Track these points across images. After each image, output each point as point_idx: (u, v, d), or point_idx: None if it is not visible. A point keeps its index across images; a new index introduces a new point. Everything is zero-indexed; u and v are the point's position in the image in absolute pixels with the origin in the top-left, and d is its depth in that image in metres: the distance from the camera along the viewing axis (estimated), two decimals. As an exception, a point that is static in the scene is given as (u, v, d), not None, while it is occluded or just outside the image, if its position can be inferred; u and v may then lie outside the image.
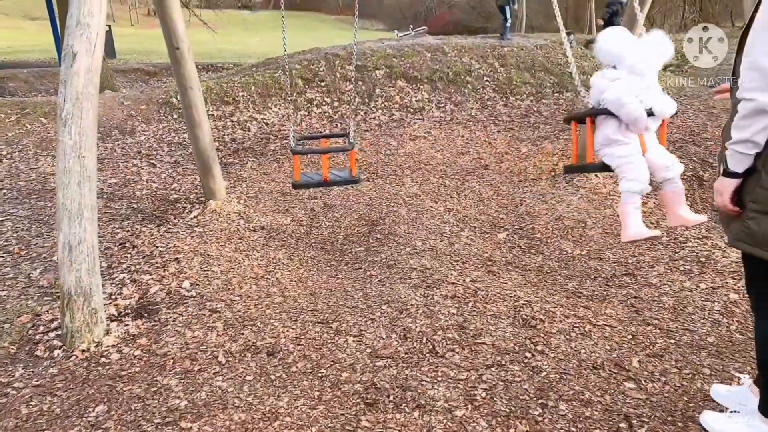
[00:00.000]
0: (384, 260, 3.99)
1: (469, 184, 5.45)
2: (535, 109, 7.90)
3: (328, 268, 3.95)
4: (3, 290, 3.56)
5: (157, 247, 4.14)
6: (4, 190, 5.43)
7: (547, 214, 4.76)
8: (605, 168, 2.66)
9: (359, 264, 3.99)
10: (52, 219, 4.63)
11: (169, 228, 4.50)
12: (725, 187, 1.78)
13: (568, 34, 13.69)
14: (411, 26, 13.86)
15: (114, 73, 13.06)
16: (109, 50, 17.49)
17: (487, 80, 8.67)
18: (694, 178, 5.12)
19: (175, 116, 7.86)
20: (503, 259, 4.01)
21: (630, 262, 3.81)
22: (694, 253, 3.85)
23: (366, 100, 8.29)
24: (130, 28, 40.16)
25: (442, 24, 42.81)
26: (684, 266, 3.66)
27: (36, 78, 12.16)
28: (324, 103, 8.24)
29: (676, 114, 2.72)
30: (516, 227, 4.57)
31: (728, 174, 1.76)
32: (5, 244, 4.24)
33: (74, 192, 2.90)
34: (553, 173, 5.61)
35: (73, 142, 2.92)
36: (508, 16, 10.90)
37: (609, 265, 3.79)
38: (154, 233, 4.40)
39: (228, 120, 7.85)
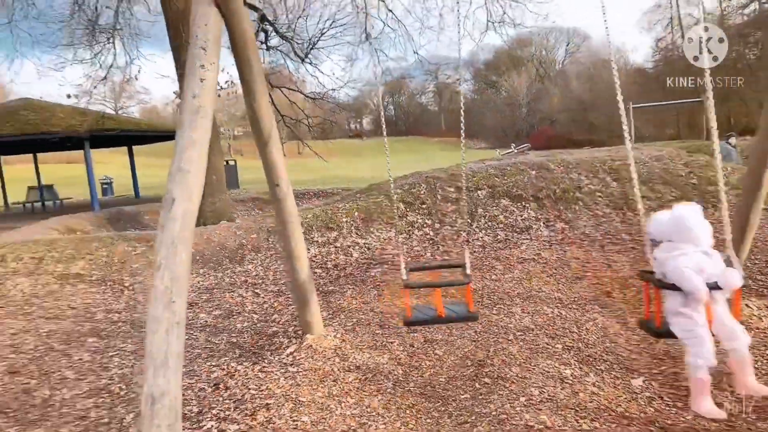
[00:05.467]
0: (494, 413, 3.42)
1: (591, 316, 4.80)
2: (658, 224, 7.14)
3: (428, 420, 3.45)
4: (95, 436, 3.47)
5: (249, 389, 3.92)
6: (120, 323, 5.66)
7: (691, 354, 3.96)
8: (673, 335, 2.51)
9: (464, 416, 3.45)
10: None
11: (263, 366, 4.30)
12: None
13: (728, 137, 11.26)
14: (513, 144, 13.89)
15: (234, 203, 14.17)
16: (233, 181, 19.30)
17: (599, 196, 8.12)
18: None
19: (283, 244, 8.09)
20: (642, 415, 3.28)
21: (822, 428, 2.91)
22: None
23: (468, 220, 8.04)
24: (254, 160, 44.59)
25: (544, 139, 43.20)
26: None
27: (168, 210, 13.44)
28: (425, 225, 8.10)
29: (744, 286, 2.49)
30: (654, 372, 3.81)
31: None
32: (108, 382, 4.26)
33: (161, 340, 2.79)
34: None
35: (164, 287, 2.86)
36: None
37: (791, 431, 2.92)
38: (248, 372, 4.21)
39: (332, 246, 7.91)
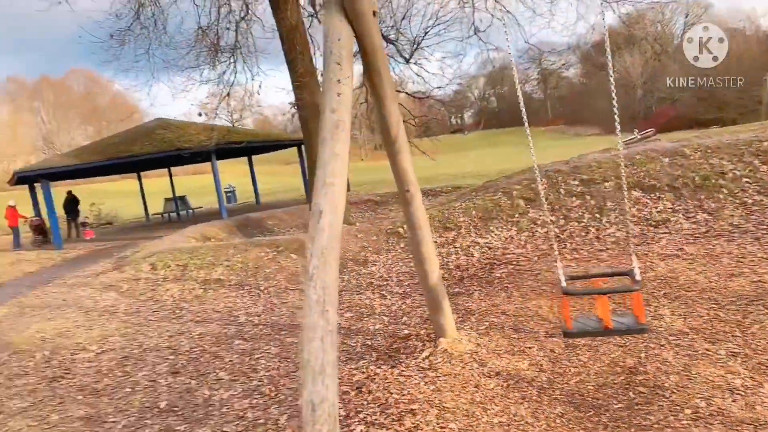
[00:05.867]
0: (656, 425, 3.18)
1: (756, 317, 4.31)
2: (826, 211, 6.28)
3: (581, 430, 3.28)
4: (254, 435, 3.70)
5: (391, 393, 3.97)
6: (261, 325, 6.02)
7: None
8: None
9: (622, 428, 3.24)
10: (297, 357, 4.88)
11: (402, 371, 4.34)
12: None
13: None
14: (636, 130, 12.94)
15: (348, 206, 14.59)
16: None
17: (747, 182, 7.30)
18: None
19: (401, 245, 8.19)
20: (841, 434, 2.87)
21: None
22: None
23: (596, 215, 7.60)
24: (360, 162, 45.91)
25: (664, 121, 39.88)
26: None
27: (289, 216, 14.22)
28: (550, 222, 7.78)
29: None
30: None
31: None
32: (258, 384, 4.53)
33: (318, 348, 2.90)
34: None
35: (317, 296, 2.97)
36: None
37: None
38: (388, 376, 4.28)
39: (451, 246, 7.86)
